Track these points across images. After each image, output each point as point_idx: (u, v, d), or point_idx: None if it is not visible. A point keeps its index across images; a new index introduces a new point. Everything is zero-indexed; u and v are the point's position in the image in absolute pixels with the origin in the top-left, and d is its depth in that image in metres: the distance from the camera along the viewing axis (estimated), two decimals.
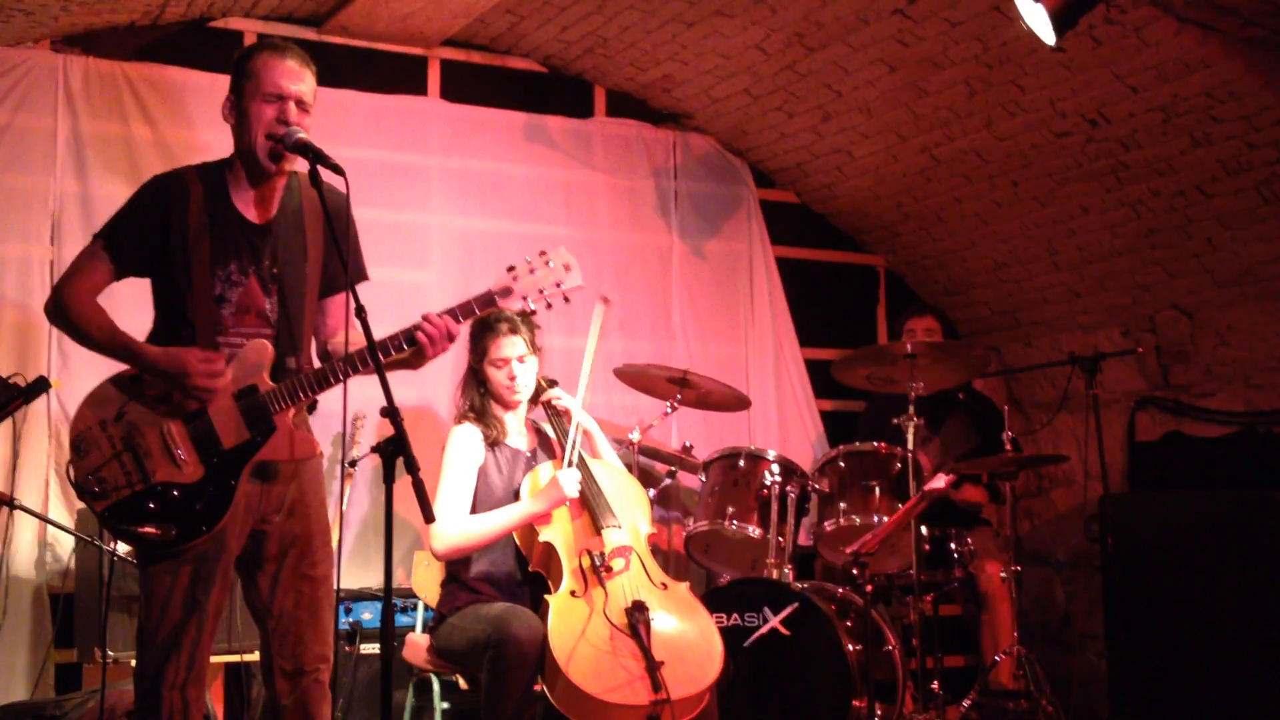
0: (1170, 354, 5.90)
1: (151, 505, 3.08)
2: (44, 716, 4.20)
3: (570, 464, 4.20)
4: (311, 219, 3.31)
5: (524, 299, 3.33)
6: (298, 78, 3.18)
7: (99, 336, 3.16)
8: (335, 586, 3.33)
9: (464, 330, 4.30)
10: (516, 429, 4.40)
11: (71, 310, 3.17)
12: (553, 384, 4.47)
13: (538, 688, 3.85)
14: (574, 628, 3.83)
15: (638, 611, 3.87)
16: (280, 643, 3.24)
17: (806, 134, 6.09)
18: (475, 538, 4.11)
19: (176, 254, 3.16)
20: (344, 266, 3.04)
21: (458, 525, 4.11)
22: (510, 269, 3.34)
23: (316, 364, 3.34)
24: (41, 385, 3.93)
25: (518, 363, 4.27)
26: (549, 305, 3.37)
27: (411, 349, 3.22)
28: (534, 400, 4.42)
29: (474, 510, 4.20)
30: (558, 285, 3.35)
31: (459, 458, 4.22)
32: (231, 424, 3.13)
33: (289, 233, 3.28)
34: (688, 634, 3.96)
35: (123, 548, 4.38)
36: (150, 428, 3.11)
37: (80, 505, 4.86)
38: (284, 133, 3.14)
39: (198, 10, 5.29)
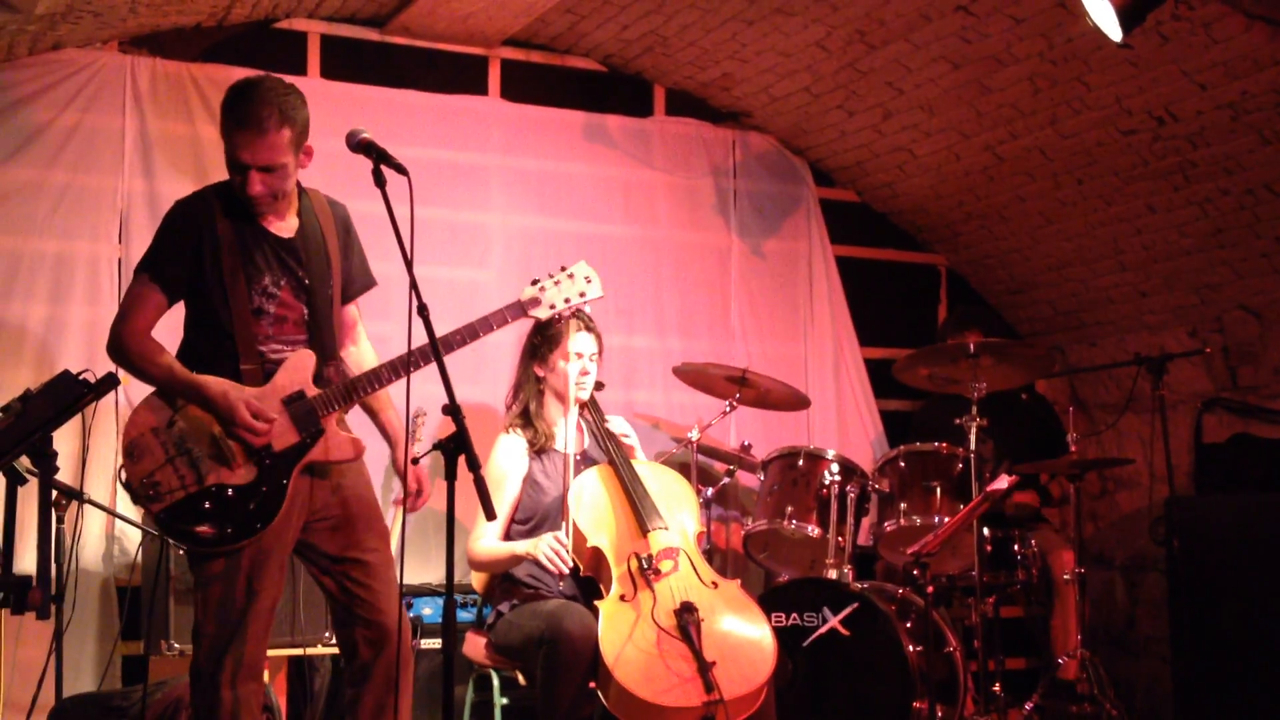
0: (1238, 355, 5.82)
1: (206, 505, 3.20)
2: (111, 708, 4.26)
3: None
4: (328, 231, 3.47)
5: (551, 307, 3.66)
6: (255, 148, 3.22)
7: (156, 374, 3.28)
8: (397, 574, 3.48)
9: (518, 332, 4.37)
10: (566, 432, 4.41)
11: (129, 349, 3.30)
12: (599, 386, 4.48)
13: (593, 685, 3.86)
14: (623, 632, 3.83)
15: (687, 613, 3.87)
16: (357, 608, 3.39)
17: (867, 132, 6.06)
18: (491, 560, 4.21)
19: (210, 272, 3.29)
20: (408, 262, 3.05)
21: (485, 545, 4.21)
22: (535, 282, 3.67)
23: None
24: (111, 381, 3.97)
25: (589, 360, 4.31)
26: (574, 313, 3.87)
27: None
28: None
29: (523, 517, 4.25)
30: (581, 295, 3.70)
31: (500, 471, 4.26)
32: (283, 428, 3.27)
33: (314, 244, 3.43)
34: (739, 632, 3.95)
35: None
36: (202, 432, 3.24)
37: None
38: (252, 188, 3.25)
39: (262, 12, 5.35)
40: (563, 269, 3.69)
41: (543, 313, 3.64)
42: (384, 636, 3.40)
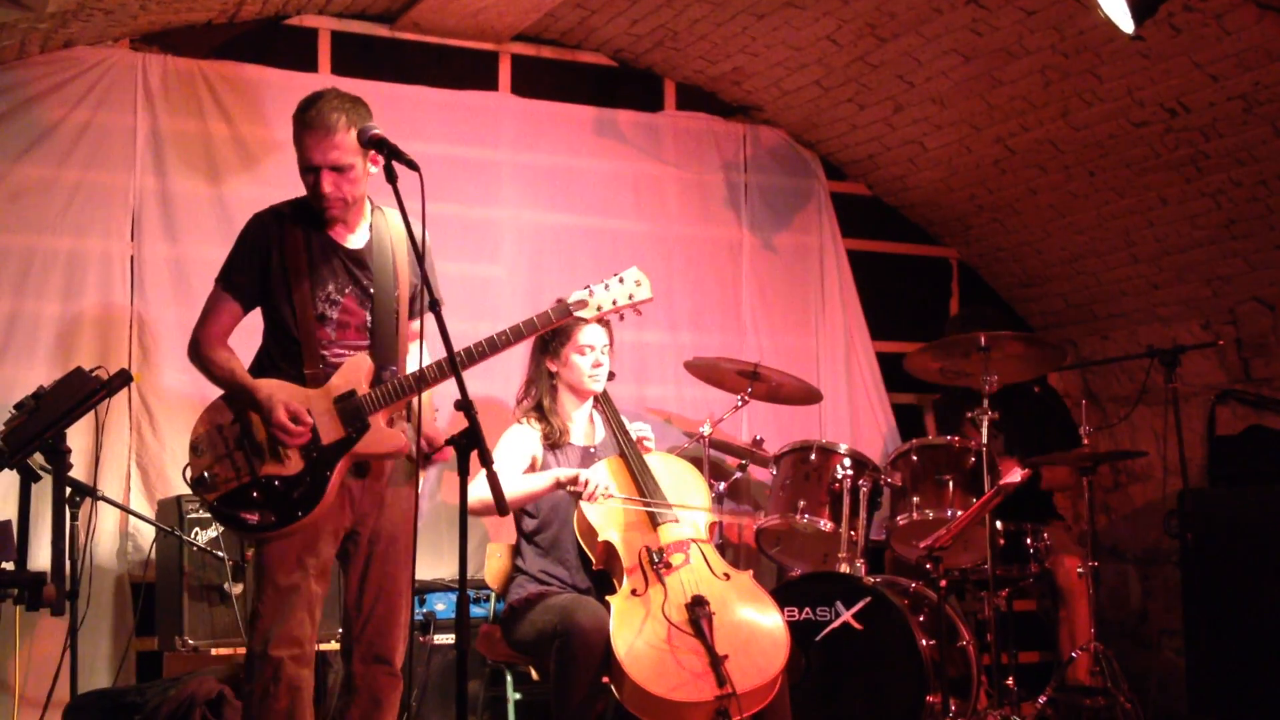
0: (1251, 346, 5.80)
1: (255, 494, 3.40)
2: (125, 704, 4.28)
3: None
4: (399, 247, 3.63)
5: (598, 309, 3.74)
6: (325, 147, 3.42)
7: (221, 375, 3.49)
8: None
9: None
10: (581, 425, 4.41)
11: (201, 353, 3.52)
12: (611, 376, 4.48)
13: (606, 680, 3.86)
14: (634, 627, 3.84)
15: (698, 606, 3.86)
16: (360, 632, 3.56)
17: (878, 125, 6.04)
18: (524, 494, 4.16)
19: (279, 280, 3.50)
20: (420, 258, 3.27)
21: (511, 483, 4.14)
22: (587, 287, 3.76)
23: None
24: (124, 378, 4.00)
25: (601, 352, 4.31)
26: (621, 317, 3.85)
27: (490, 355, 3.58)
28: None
29: (534, 510, 4.25)
30: (630, 297, 3.78)
31: (507, 448, 4.28)
32: (331, 424, 3.45)
33: (381, 257, 3.60)
34: (751, 624, 3.95)
35: (203, 538, 4.47)
36: (260, 429, 3.43)
37: (160, 496, 4.95)
38: (322, 187, 3.44)
39: (273, 8, 5.35)
40: (615, 275, 3.79)
41: (588, 314, 3.74)
42: (376, 658, 3.55)
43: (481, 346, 3.55)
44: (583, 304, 3.72)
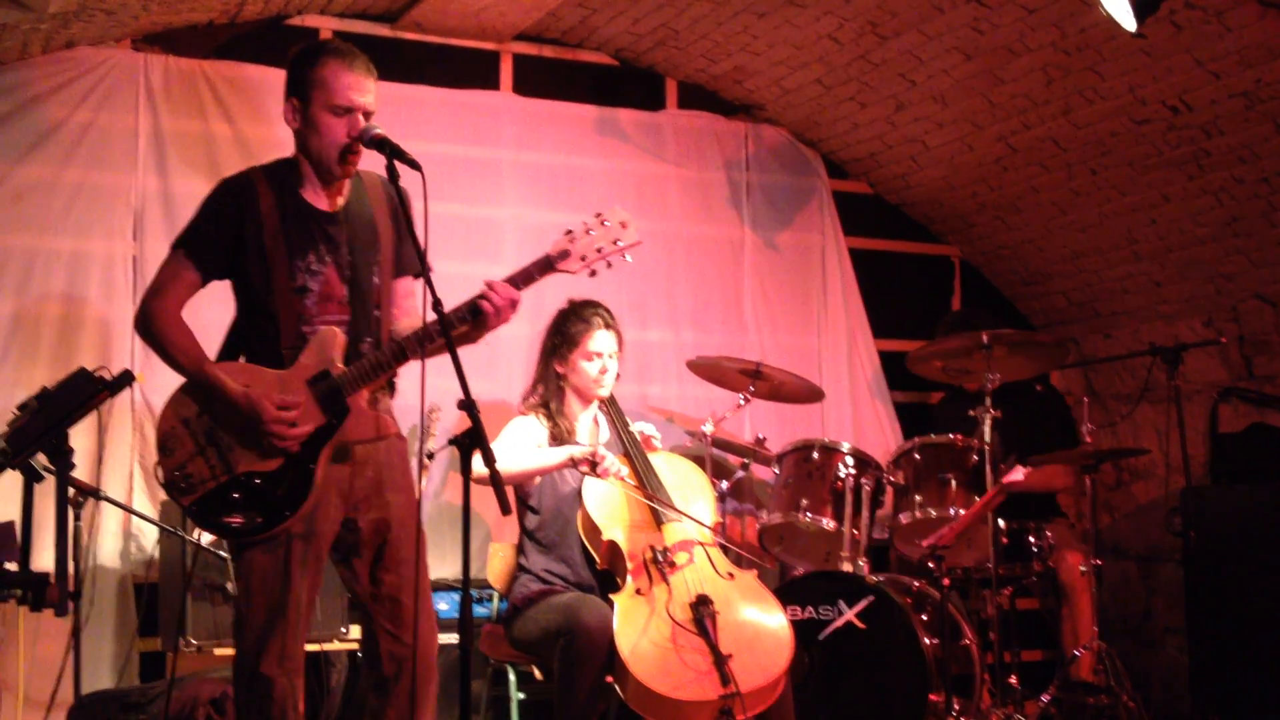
0: (1254, 344, 5.80)
1: (236, 495, 3.15)
2: (129, 704, 4.28)
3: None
4: (378, 209, 3.38)
5: (582, 259, 3.34)
6: (364, 89, 3.23)
7: (184, 363, 3.21)
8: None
9: (534, 327, 4.36)
10: (586, 426, 4.41)
11: (158, 328, 3.22)
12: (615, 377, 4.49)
13: (610, 679, 3.86)
14: (638, 626, 3.83)
15: (702, 605, 3.87)
16: (385, 625, 3.31)
17: (880, 124, 6.04)
18: (537, 467, 4.17)
19: (253, 250, 3.22)
20: (420, 256, 3.08)
21: (521, 455, 4.16)
22: (568, 232, 3.36)
23: None
24: (126, 379, 3.99)
25: (609, 358, 4.31)
26: (609, 264, 3.38)
27: (472, 322, 3.25)
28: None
29: (538, 507, 4.25)
30: (615, 243, 3.36)
31: (515, 434, 4.28)
32: (307, 410, 3.18)
33: (360, 221, 3.35)
34: (756, 624, 3.95)
35: (206, 538, 4.47)
36: (232, 421, 3.18)
37: (164, 496, 4.95)
38: (359, 132, 3.20)
39: (275, 8, 5.35)
40: (597, 215, 3.38)
41: (573, 266, 3.33)
42: (405, 652, 3.31)
43: (461, 311, 3.21)
44: (565, 255, 3.31)
